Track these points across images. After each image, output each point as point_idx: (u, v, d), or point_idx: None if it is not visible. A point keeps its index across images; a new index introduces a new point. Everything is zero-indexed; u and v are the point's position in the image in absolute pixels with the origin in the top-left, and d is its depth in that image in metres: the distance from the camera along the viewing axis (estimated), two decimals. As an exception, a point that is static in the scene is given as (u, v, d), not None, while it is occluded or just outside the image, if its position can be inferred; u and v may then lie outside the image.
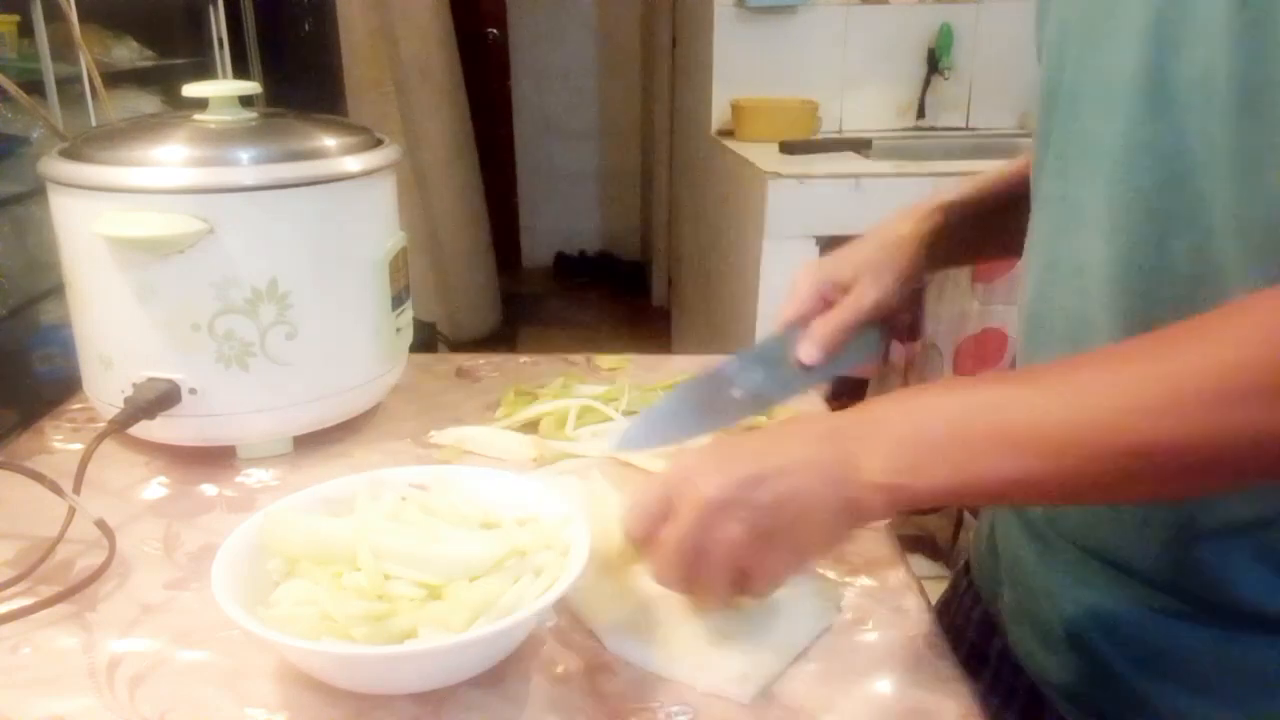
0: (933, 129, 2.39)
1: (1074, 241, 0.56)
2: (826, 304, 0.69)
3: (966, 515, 2.15)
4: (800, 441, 0.50)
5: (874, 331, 0.70)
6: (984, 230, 0.74)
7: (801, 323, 0.69)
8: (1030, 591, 0.62)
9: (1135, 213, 0.50)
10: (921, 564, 2.14)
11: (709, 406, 0.67)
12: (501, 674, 0.54)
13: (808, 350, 0.67)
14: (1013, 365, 0.69)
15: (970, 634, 0.71)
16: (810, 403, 0.90)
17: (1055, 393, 0.45)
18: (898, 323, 0.71)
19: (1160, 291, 0.50)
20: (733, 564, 0.50)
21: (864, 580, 0.64)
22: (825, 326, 0.68)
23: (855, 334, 0.68)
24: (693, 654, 0.55)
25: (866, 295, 0.68)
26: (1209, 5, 0.45)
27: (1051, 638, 0.60)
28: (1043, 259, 0.59)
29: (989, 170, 0.76)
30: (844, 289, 0.69)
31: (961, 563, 0.77)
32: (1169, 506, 0.52)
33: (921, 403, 0.49)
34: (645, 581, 0.61)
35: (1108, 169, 0.52)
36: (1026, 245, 0.63)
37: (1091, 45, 0.53)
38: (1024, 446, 0.45)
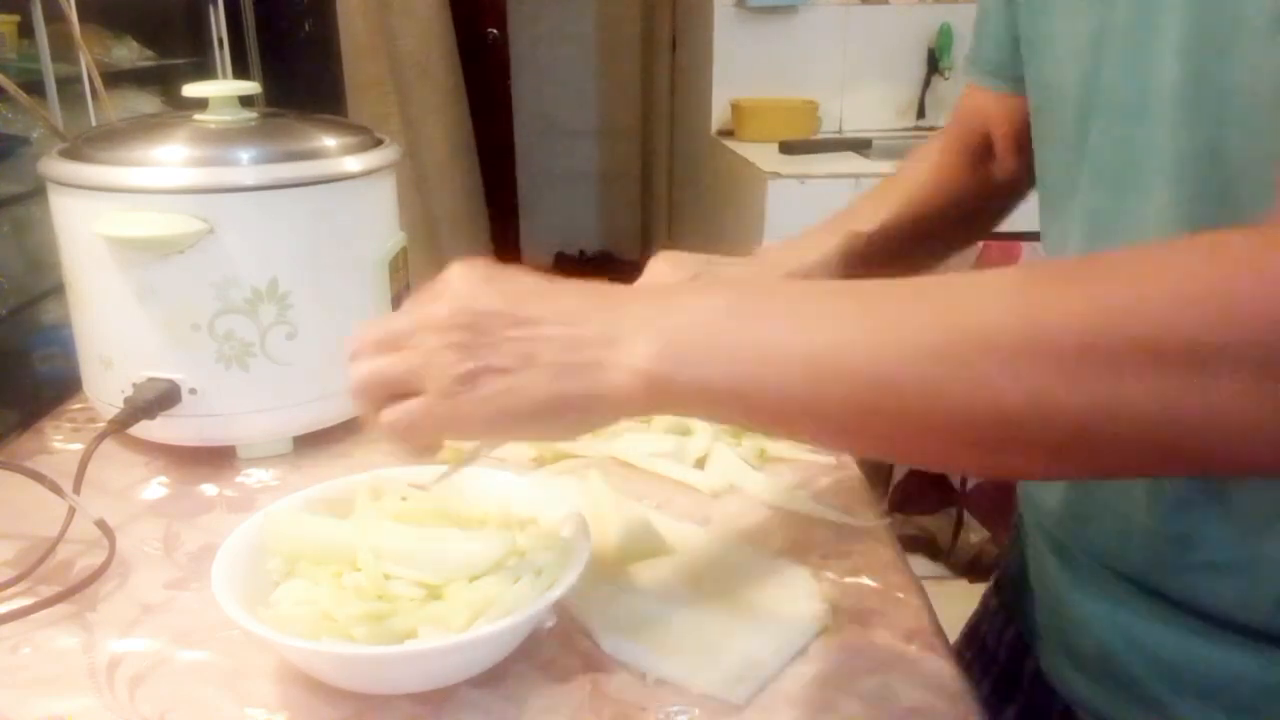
0: (933, 129, 2.39)
1: None
2: None
3: (968, 516, 2.15)
4: (573, 302, 0.44)
5: None
6: (902, 258, 0.72)
7: None
8: (1063, 615, 0.61)
9: (1185, 228, 0.49)
10: (921, 564, 2.14)
11: None
12: (501, 674, 0.54)
13: None
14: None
15: (1001, 656, 0.70)
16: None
17: (873, 317, 0.39)
18: None
19: None
20: (413, 374, 0.44)
21: (864, 580, 0.63)
22: None
23: None
24: (688, 655, 0.55)
25: None
26: (1249, 9, 0.44)
27: (1086, 662, 0.59)
28: None
29: (890, 192, 0.74)
30: None
31: (991, 582, 0.76)
32: (1212, 532, 0.51)
33: (722, 298, 0.42)
34: (642, 582, 0.61)
35: (1153, 183, 0.51)
36: (1050, 254, 0.61)
37: (1130, 53, 0.52)
38: (819, 372, 0.39)
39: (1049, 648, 0.63)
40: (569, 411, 0.44)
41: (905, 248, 0.73)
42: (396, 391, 0.45)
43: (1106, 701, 0.58)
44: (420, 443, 0.45)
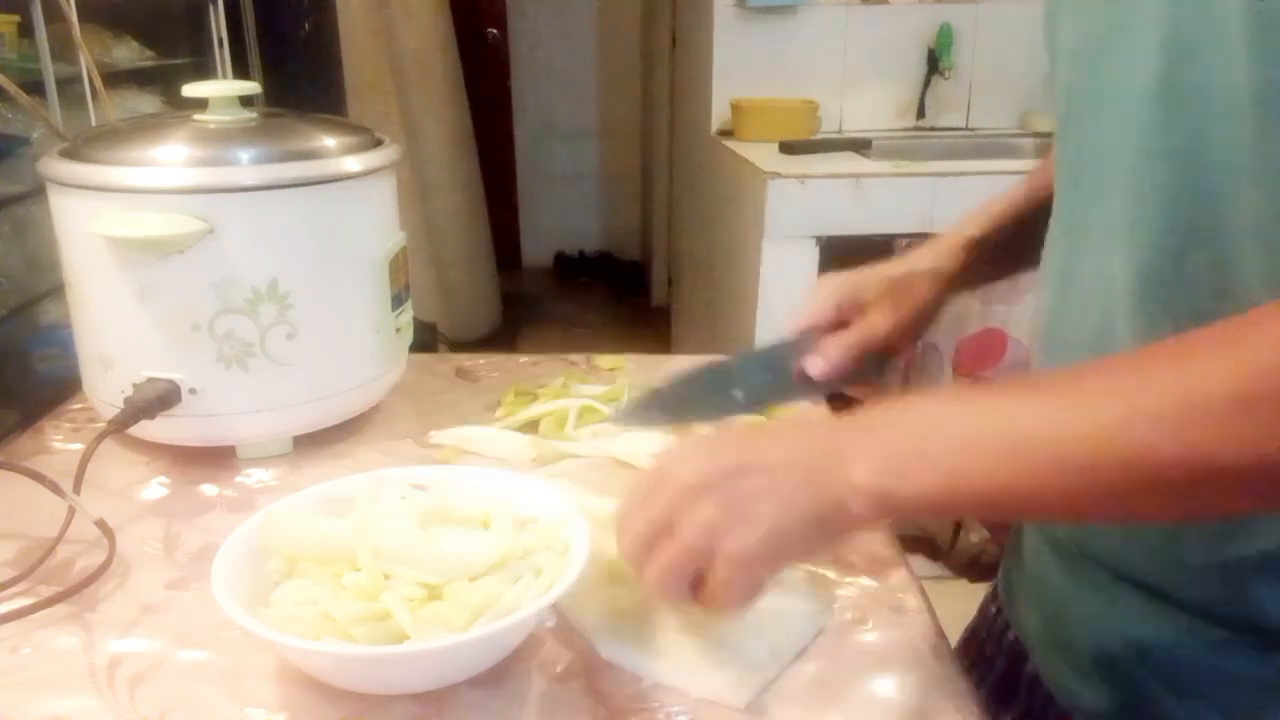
0: (933, 129, 2.39)
1: (1090, 254, 0.55)
2: (841, 320, 0.69)
3: (967, 516, 2.15)
4: (791, 440, 0.49)
5: (878, 355, 0.70)
6: (1008, 256, 0.74)
7: (813, 333, 0.69)
8: (1060, 616, 0.61)
9: (1154, 225, 0.49)
10: (921, 564, 2.14)
11: (708, 400, 0.68)
12: (501, 674, 0.54)
13: (815, 364, 0.68)
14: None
15: (1000, 662, 0.70)
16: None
17: (1057, 400, 0.43)
18: (902, 351, 0.71)
19: (1182, 307, 0.49)
20: (697, 547, 0.47)
21: (864, 580, 0.64)
22: (836, 346, 0.68)
23: (863, 356, 0.68)
24: (686, 660, 0.54)
25: (881, 324, 0.68)
26: (1224, 10, 0.44)
27: (1082, 664, 0.59)
28: (1057, 271, 0.58)
29: (1016, 190, 0.75)
30: (861, 310, 0.69)
31: (990, 589, 0.76)
32: (1200, 530, 0.51)
33: (919, 409, 0.47)
34: (637, 586, 0.61)
35: (1124, 180, 0.51)
36: (1043, 258, 0.62)
37: (1107, 56, 0.52)
38: (1017, 456, 0.42)
39: (1047, 650, 0.63)
40: (820, 542, 0.49)
41: (1010, 246, 0.74)
42: (693, 568, 0.49)
43: (1105, 704, 0.58)
44: (743, 597, 0.50)
